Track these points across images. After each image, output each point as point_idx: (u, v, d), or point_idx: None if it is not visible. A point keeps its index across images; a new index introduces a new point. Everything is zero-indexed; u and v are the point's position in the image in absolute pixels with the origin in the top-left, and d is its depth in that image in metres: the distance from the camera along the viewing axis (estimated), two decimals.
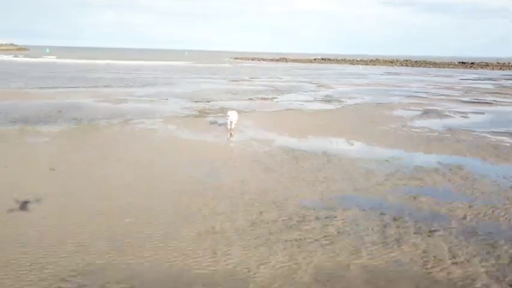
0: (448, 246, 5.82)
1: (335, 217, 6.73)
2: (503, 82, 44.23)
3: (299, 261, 5.31)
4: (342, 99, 24.30)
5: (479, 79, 48.67)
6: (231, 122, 13.55)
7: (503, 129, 15.37)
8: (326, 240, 5.92)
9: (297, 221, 6.52)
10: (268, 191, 7.89)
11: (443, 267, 5.26)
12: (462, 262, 5.41)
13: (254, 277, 4.94)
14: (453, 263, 5.37)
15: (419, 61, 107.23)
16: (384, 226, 6.44)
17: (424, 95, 28.41)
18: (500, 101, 25.27)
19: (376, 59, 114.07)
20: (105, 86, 28.36)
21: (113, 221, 6.36)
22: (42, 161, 9.49)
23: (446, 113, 19.43)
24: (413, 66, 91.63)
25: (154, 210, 6.82)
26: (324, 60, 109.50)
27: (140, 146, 11.44)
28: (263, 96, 25.01)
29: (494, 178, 9.11)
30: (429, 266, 5.30)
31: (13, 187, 7.72)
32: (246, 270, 5.08)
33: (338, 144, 12.33)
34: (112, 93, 24.13)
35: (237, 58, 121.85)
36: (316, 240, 5.91)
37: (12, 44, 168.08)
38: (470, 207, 7.36)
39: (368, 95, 27.41)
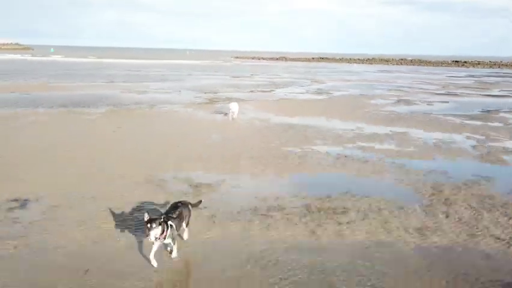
0: (373, 167, 9.60)
1: (307, 155, 10.51)
2: (484, 78, 47.96)
3: (281, 170, 9.11)
4: (331, 92, 28.05)
5: (463, 76, 52.40)
6: (233, 112, 16.23)
7: (455, 112, 19.13)
8: (298, 163, 9.73)
9: (282, 157, 10.30)
10: (264, 144, 11.65)
11: (364, 174, 9.06)
12: (378, 171, 9.20)
13: (253, 175, 8.72)
14: (372, 172, 9.15)
15: (414, 60, 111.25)
16: (337, 159, 10.23)
17: (405, 88, 32.13)
18: (468, 93, 29.03)
19: (372, 58, 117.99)
20: (122, 81, 32.06)
21: (167, 150, 10.13)
22: (104, 127, 13.28)
23: (416, 102, 23.20)
24: (407, 64, 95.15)
25: (194, 146, 10.58)
26: (323, 59, 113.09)
27: (169, 121, 15.21)
28: (262, 89, 28.76)
29: (424, 138, 12.91)
30: (358, 174, 9.08)
31: (99, 139, 11.51)
32: (249, 173, 8.86)
33: (319, 121, 16.08)
34: (131, 86, 27.84)
35: (237, 57, 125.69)
36: (292, 163, 9.71)
37: (17, 44, 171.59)
38: (397, 151, 11.15)
39: (355, 88, 31.13)
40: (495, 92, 31.12)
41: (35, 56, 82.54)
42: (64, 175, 8.40)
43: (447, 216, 6.85)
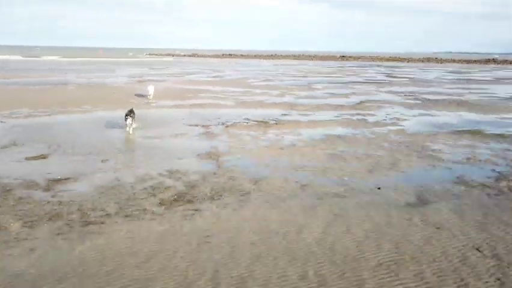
0: (228, 99, 21.82)
1: (197, 96, 22.46)
2: (346, 68, 63.89)
3: (183, 99, 20.96)
4: (224, 77, 40.36)
5: (334, 66, 68.16)
6: (149, 95, 26.95)
7: (292, 84, 32.35)
8: (192, 98, 21.67)
9: (185, 97, 22.13)
10: (175, 94, 23.33)
11: (222, 100, 21.26)
12: (227, 98, 21.47)
13: (170, 100, 20.45)
14: (226, 100, 21.39)
15: (312, 55, 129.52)
16: (211, 97, 22.32)
17: (279, 75, 45.46)
18: (315, 76, 43.19)
19: (275, 54, 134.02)
20: (64, 73, 41.22)
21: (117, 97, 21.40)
22: (87, 92, 23.99)
23: (275, 81, 36.32)
24: (303, 59, 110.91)
25: (139, 94, 21.91)
26: (231, 55, 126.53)
27: (121, 89, 26.20)
28: (176, 75, 40.20)
29: (260, 92, 25.56)
30: (219, 100, 21.24)
31: (94, 95, 22.36)
32: (169, 100, 20.59)
33: (208, 87, 28.05)
34: (77, 76, 37.49)
35: (151, 54, 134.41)
36: (189, 98, 21.61)
37: None
38: (241, 95, 23.59)
39: (243, 75, 43.73)
40: (336, 75, 45.76)
41: None
42: (92, 101, 19.39)
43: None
